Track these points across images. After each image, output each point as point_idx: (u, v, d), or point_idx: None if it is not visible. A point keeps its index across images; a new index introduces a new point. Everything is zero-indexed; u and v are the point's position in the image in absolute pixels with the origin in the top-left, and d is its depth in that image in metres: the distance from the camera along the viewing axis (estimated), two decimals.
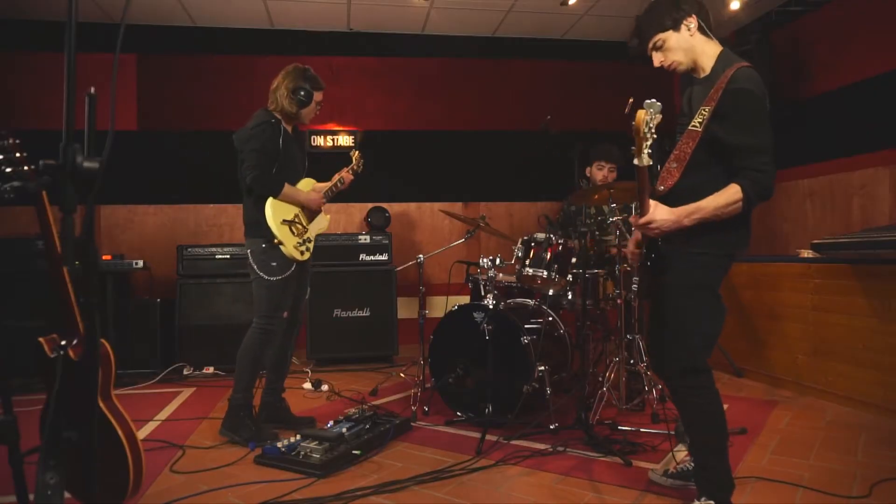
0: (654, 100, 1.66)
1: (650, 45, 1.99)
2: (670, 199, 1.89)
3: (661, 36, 1.96)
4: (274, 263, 2.91)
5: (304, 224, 3.08)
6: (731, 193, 1.80)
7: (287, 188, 2.97)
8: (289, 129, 3.04)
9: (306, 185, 3.17)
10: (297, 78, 3.01)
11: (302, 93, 2.98)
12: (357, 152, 3.40)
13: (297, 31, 5.41)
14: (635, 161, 1.71)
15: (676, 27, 1.95)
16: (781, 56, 4.75)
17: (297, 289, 3.11)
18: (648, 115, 1.64)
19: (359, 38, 5.51)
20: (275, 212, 2.91)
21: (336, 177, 3.25)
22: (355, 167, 3.33)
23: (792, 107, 4.71)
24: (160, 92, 5.25)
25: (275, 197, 2.92)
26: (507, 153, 5.71)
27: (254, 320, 2.96)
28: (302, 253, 3.01)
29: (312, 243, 3.10)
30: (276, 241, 2.89)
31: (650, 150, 1.68)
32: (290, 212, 3.00)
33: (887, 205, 3.96)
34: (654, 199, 1.88)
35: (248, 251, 2.96)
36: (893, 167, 3.93)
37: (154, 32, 5.19)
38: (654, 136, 1.68)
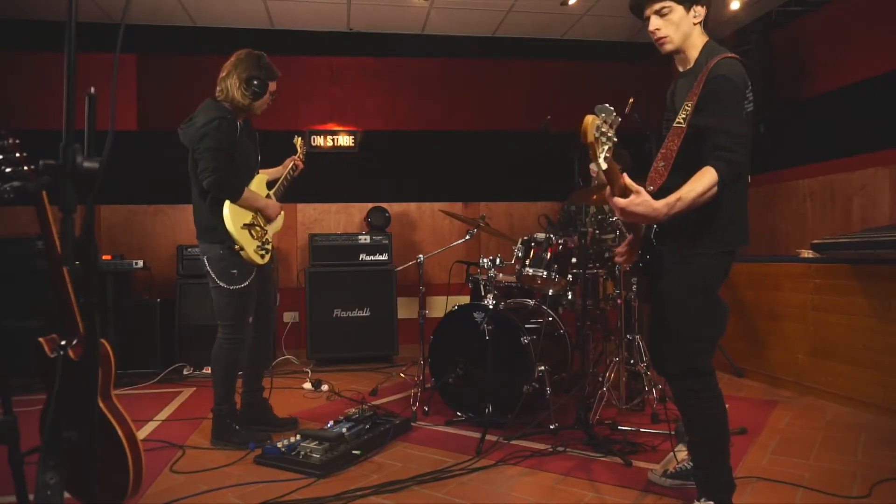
0: (605, 104, 1.60)
1: (657, 6, 1.93)
2: (659, 199, 1.87)
3: (671, 4, 1.91)
4: (234, 271, 2.76)
5: (263, 226, 2.92)
6: (709, 179, 1.74)
7: (246, 193, 2.79)
8: (240, 121, 2.83)
9: (259, 180, 2.97)
10: (250, 66, 2.74)
11: (255, 82, 2.73)
12: (300, 138, 3.21)
13: (297, 31, 5.40)
14: (592, 166, 1.67)
15: (687, 6, 1.92)
16: (781, 56, 4.74)
17: (261, 293, 2.95)
18: (599, 121, 1.57)
19: (359, 38, 5.51)
20: (233, 215, 2.74)
21: (287, 164, 3.11)
22: (301, 156, 3.18)
23: (792, 107, 4.70)
24: (160, 92, 5.24)
25: (233, 201, 2.74)
26: (507, 153, 5.70)
27: (219, 330, 2.83)
28: (262, 256, 2.87)
29: (271, 244, 2.96)
30: (236, 246, 2.74)
31: (607, 154, 1.61)
32: (248, 214, 2.84)
33: (887, 205, 3.96)
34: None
35: (205, 258, 2.78)
36: (893, 167, 3.92)
37: (154, 32, 5.18)
38: (614, 139, 1.61)
